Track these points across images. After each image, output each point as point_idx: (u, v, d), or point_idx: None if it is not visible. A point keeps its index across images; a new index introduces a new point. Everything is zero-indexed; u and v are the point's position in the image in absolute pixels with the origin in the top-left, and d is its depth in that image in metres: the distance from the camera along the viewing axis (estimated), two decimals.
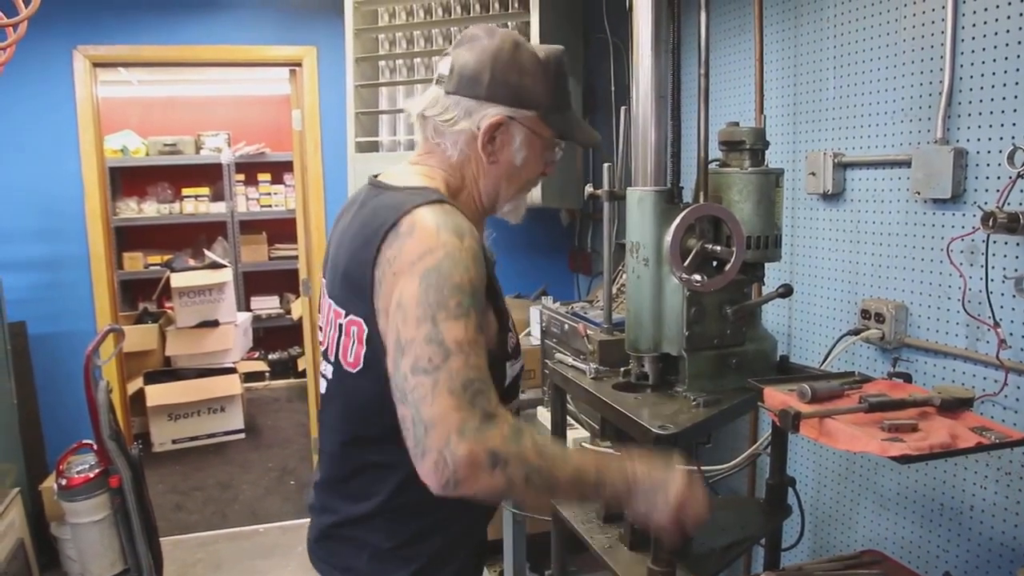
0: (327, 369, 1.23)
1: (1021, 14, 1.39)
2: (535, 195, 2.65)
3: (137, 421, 4.69)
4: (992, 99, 1.46)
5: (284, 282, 6.28)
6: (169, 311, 5.52)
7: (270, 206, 6.16)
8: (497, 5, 2.72)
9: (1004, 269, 1.45)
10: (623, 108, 1.57)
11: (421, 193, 1.14)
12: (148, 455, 4.52)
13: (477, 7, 2.76)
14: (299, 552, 3.52)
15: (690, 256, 1.37)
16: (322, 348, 1.25)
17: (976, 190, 1.50)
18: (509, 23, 2.68)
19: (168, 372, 5.11)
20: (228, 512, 4.00)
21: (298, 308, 5.63)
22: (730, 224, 1.38)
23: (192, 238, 6.14)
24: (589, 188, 1.72)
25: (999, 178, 1.45)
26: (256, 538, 3.71)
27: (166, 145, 5.84)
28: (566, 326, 2.16)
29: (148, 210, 5.92)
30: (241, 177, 6.06)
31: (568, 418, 1.98)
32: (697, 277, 1.35)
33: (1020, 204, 1.40)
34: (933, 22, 1.59)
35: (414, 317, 1.00)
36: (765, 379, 1.41)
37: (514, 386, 1.28)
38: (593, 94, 3.28)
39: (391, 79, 2.93)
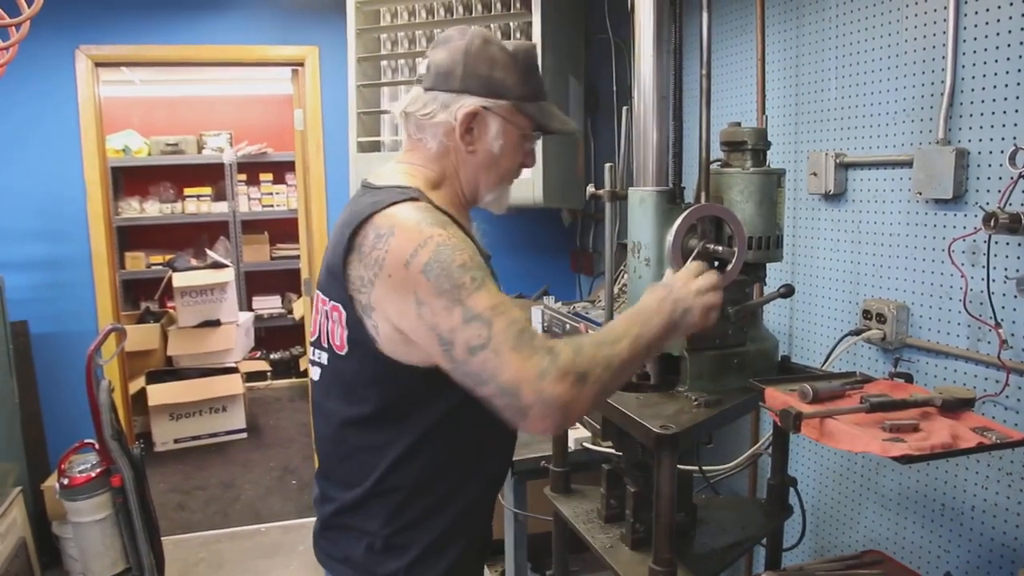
0: (322, 356, 1.27)
1: (1022, 15, 1.39)
2: (537, 195, 2.65)
3: (139, 420, 4.70)
4: (994, 100, 1.46)
5: (286, 282, 6.29)
6: (171, 311, 5.53)
7: (272, 206, 6.16)
8: (499, 5, 2.72)
9: (1005, 269, 1.45)
10: (625, 108, 1.57)
11: (398, 191, 1.19)
12: (150, 454, 4.54)
13: (479, 7, 2.76)
14: (301, 552, 3.52)
15: (691, 256, 1.37)
16: (314, 337, 1.30)
17: (977, 190, 1.50)
18: (511, 23, 2.68)
19: (170, 372, 5.12)
20: (230, 512, 4.00)
21: (300, 308, 5.65)
22: (732, 224, 1.38)
23: (194, 238, 6.15)
24: (591, 188, 1.71)
25: (1000, 178, 1.45)
26: (258, 538, 3.71)
27: (168, 145, 5.85)
28: (568, 326, 2.17)
29: (150, 210, 5.93)
30: (243, 177, 6.07)
31: None
32: None
33: (1022, 204, 1.40)
34: (935, 23, 1.59)
35: (442, 308, 1.04)
36: (766, 379, 1.41)
37: None
38: (595, 94, 3.28)
39: (393, 79, 2.93)
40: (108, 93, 3.89)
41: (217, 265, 5.46)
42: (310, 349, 1.33)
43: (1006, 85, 1.43)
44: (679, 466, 1.35)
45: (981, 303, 1.49)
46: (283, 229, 6.13)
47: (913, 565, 1.68)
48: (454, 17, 2.76)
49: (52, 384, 3.39)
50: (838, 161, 1.86)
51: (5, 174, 3.29)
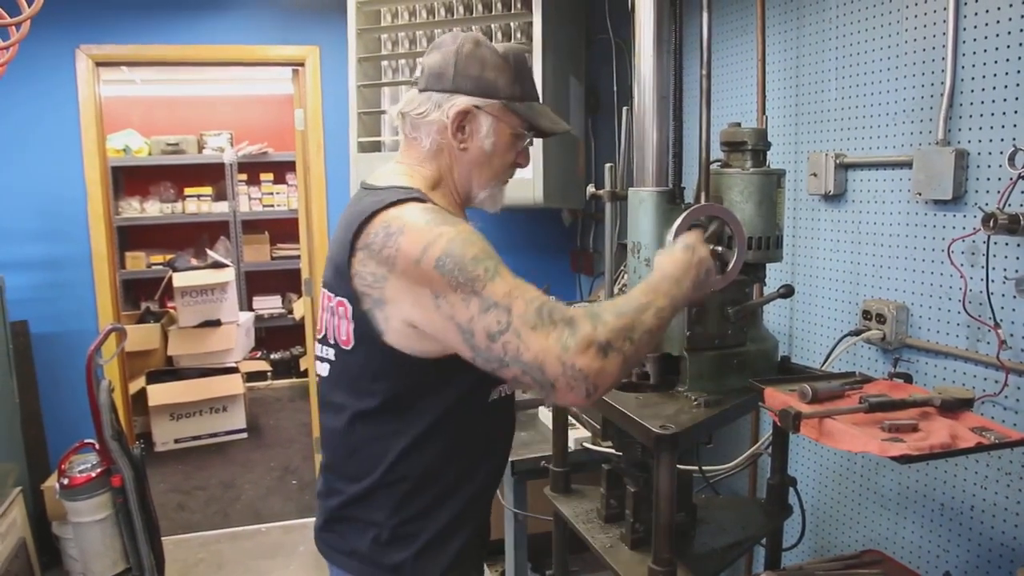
0: (329, 352, 1.29)
1: (1022, 16, 1.39)
2: (538, 195, 2.65)
3: (139, 420, 4.70)
4: (993, 101, 1.46)
5: (286, 282, 6.29)
6: (171, 311, 5.53)
7: (272, 206, 6.16)
8: (500, 5, 2.72)
9: (1005, 270, 1.45)
10: (625, 108, 1.58)
11: (402, 191, 1.22)
12: (150, 454, 4.54)
13: (479, 7, 2.76)
14: (301, 552, 3.53)
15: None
16: (320, 334, 1.32)
17: (977, 191, 1.51)
18: (512, 23, 2.69)
19: (170, 372, 5.11)
20: (230, 512, 4.00)
21: (300, 308, 5.65)
22: (732, 225, 1.38)
23: (194, 238, 6.15)
24: (591, 188, 1.72)
25: (1000, 179, 1.45)
26: (258, 538, 3.71)
27: (169, 144, 5.85)
28: None
29: (150, 210, 5.93)
30: (243, 177, 6.07)
31: (569, 418, 1.98)
32: None
33: (1021, 205, 1.40)
34: (935, 24, 1.59)
35: (459, 300, 1.07)
36: (766, 379, 1.42)
37: None
38: (596, 94, 3.28)
39: (394, 79, 2.94)
40: (108, 93, 3.90)
41: (217, 265, 5.45)
42: (316, 345, 1.35)
43: (1005, 86, 1.43)
44: (679, 466, 1.35)
45: (980, 303, 1.49)
46: (283, 229, 6.13)
47: (912, 565, 1.69)
48: (455, 17, 2.76)
49: (52, 384, 3.39)
50: (838, 162, 1.86)
51: (5, 174, 3.29)
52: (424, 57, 1.33)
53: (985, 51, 1.47)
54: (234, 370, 5.20)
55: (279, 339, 6.41)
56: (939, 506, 1.64)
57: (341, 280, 1.20)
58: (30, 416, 3.31)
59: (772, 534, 1.67)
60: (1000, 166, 1.44)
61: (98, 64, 3.33)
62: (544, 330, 1.03)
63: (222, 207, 6.03)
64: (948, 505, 1.62)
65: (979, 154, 1.50)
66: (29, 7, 1.95)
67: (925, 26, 1.62)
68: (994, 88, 1.46)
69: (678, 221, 1.37)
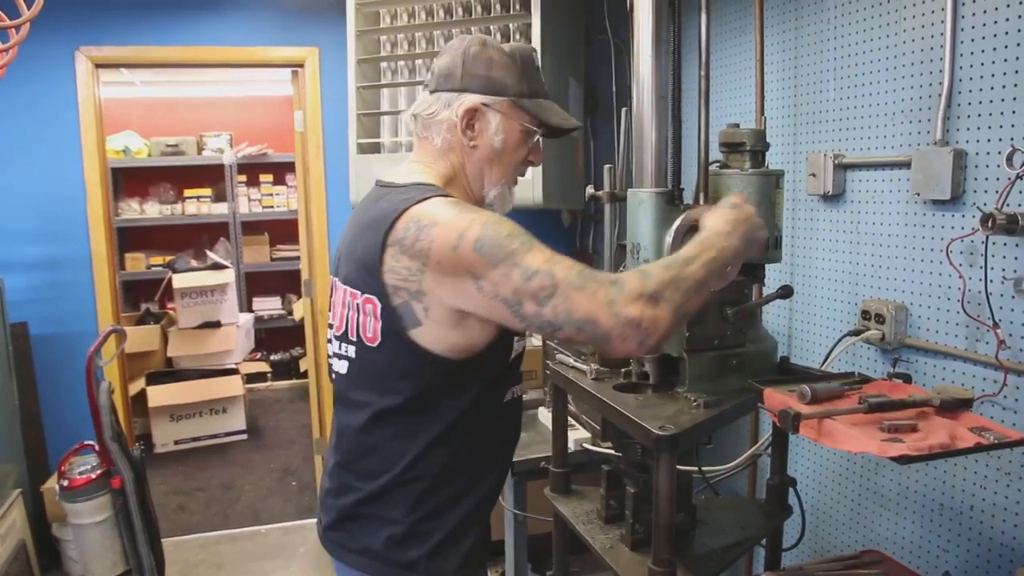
0: (349, 349, 1.31)
1: (1020, 16, 1.39)
2: (537, 196, 2.66)
3: (139, 422, 4.70)
4: (991, 101, 1.46)
5: (286, 283, 6.29)
6: (171, 312, 5.53)
7: (272, 207, 6.16)
8: (499, 7, 2.72)
9: (1003, 270, 1.45)
10: (624, 109, 1.58)
11: (424, 189, 1.26)
12: (150, 456, 4.54)
13: (479, 8, 2.76)
14: (301, 553, 3.53)
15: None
16: (340, 331, 1.33)
17: (975, 191, 1.51)
18: (511, 25, 2.69)
19: (170, 373, 5.11)
20: (230, 513, 4.00)
21: (300, 309, 5.64)
22: None
23: (194, 239, 6.15)
24: (590, 189, 1.72)
25: (998, 179, 1.45)
26: (258, 539, 3.71)
27: (168, 146, 5.85)
28: None
29: (150, 211, 5.93)
30: (243, 178, 6.07)
31: (569, 419, 1.99)
32: None
33: (1019, 205, 1.40)
34: (933, 24, 1.59)
35: (501, 275, 1.10)
36: (765, 380, 1.42)
37: (518, 361, 1.37)
38: (595, 95, 3.28)
39: (393, 80, 2.94)
40: (108, 94, 3.89)
41: (217, 266, 5.46)
42: (333, 342, 1.36)
43: (1004, 86, 1.43)
44: (678, 467, 1.35)
45: (979, 303, 1.49)
46: (283, 230, 6.13)
47: (912, 565, 1.69)
48: (454, 19, 2.76)
49: (52, 385, 3.39)
50: (837, 162, 1.87)
51: (5, 175, 3.29)
52: (434, 60, 1.37)
53: (983, 51, 1.47)
54: (234, 371, 5.20)
55: (279, 340, 6.41)
56: (938, 506, 1.65)
57: (370, 277, 1.21)
58: (30, 418, 3.31)
59: (772, 534, 1.67)
60: (998, 166, 1.44)
61: (98, 66, 3.33)
62: (591, 288, 1.07)
63: (222, 208, 6.03)
64: (947, 505, 1.62)
65: (977, 154, 1.50)
66: (29, 9, 1.95)
67: (923, 26, 1.62)
68: (992, 88, 1.46)
69: (677, 222, 1.37)
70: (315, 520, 1.42)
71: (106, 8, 3.28)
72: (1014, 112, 1.42)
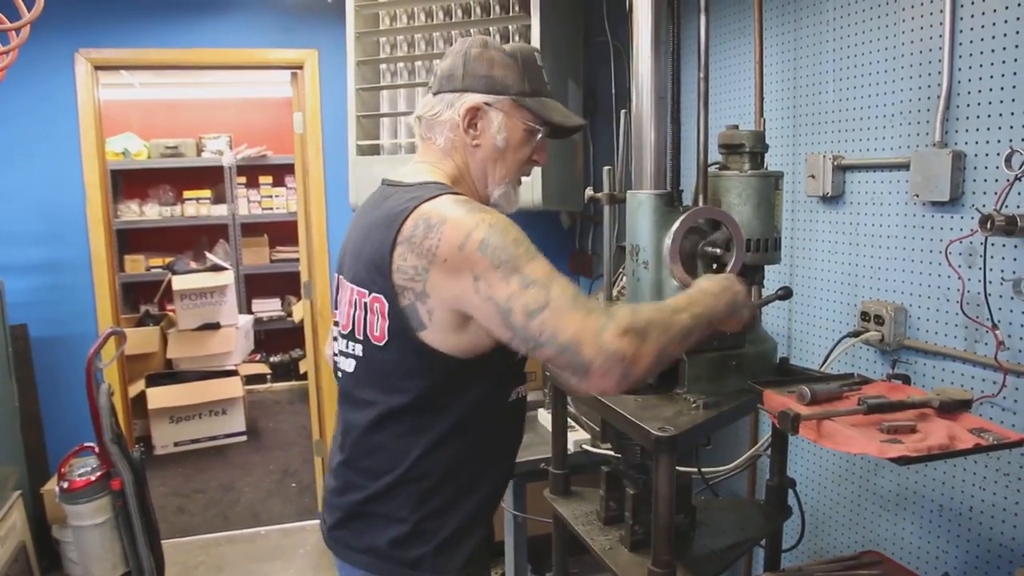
0: (356, 348, 1.31)
1: (1019, 18, 1.40)
2: (536, 198, 2.66)
3: (139, 424, 4.70)
4: (990, 102, 1.46)
5: (285, 284, 6.29)
6: (170, 314, 5.52)
7: (271, 209, 6.16)
8: (498, 8, 2.72)
9: (1002, 271, 1.46)
10: (623, 111, 1.58)
11: (433, 187, 1.26)
12: (150, 458, 4.53)
13: (478, 10, 2.76)
14: (301, 554, 3.52)
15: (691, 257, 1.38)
16: (347, 330, 1.33)
17: (974, 193, 1.51)
18: (510, 26, 2.69)
19: (169, 375, 5.11)
20: (230, 515, 4.00)
21: (299, 310, 5.64)
22: (730, 227, 1.39)
23: (193, 241, 6.15)
24: (589, 191, 1.72)
25: (997, 181, 1.45)
26: (258, 540, 3.71)
27: (168, 148, 5.85)
28: None
29: (150, 213, 5.93)
30: (243, 180, 6.07)
31: (569, 420, 1.99)
32: None
33: (1018, 207, 1.40)
34: (932, 26, 1.60)
35: (499, 279, 1.10)
36: (765, 381, 1.42)
37: (523, 361, 1.37)
38: (594, 97, 3.29)
39: (392, 82, 2.94)
40: (108, 96, 3.90)
41: (217, 268, 5.45)
42: (339, 340, 1.36)
43: (1002, 88, 1.44)
44: (678, 468, 1.35)
45: (978, 305, 1.49)
46: (283, 232, 6.13)
47: (911, 566, 1.69)
48: (453, 20, 2.77)
49: (52, 387, 3.39)
50: (836, 163, 1.87)
51: (5, 177, 3.29)
52: (437, 63, 1.38)
53: (982, 53, 1.48)
54: (233, 373, 5.20)
55: (278, 342, 6.41)
56: (938, 507, 1.65)
57: (379, 276, 1.22)
58: (30, 420, 3.31)
59: (771, 535, 1.67)
60: (997, 168, 1.45)
61: (97, 68, 3.33)
62: (582, 312, 1.06)
63: (221, 210, 6.03)
64: (947, 506, 1.62)
65: (976, 156, 1.50)
66: (29, 12, 1.95)
67: (922, 28, 1.62)
68: (991, 90, 1.46)
69: (676, 224, 1.37)
70: (315, 522, 1.42)
71: (106, 10, 3.28)
72: (1012, 114, 1.42)
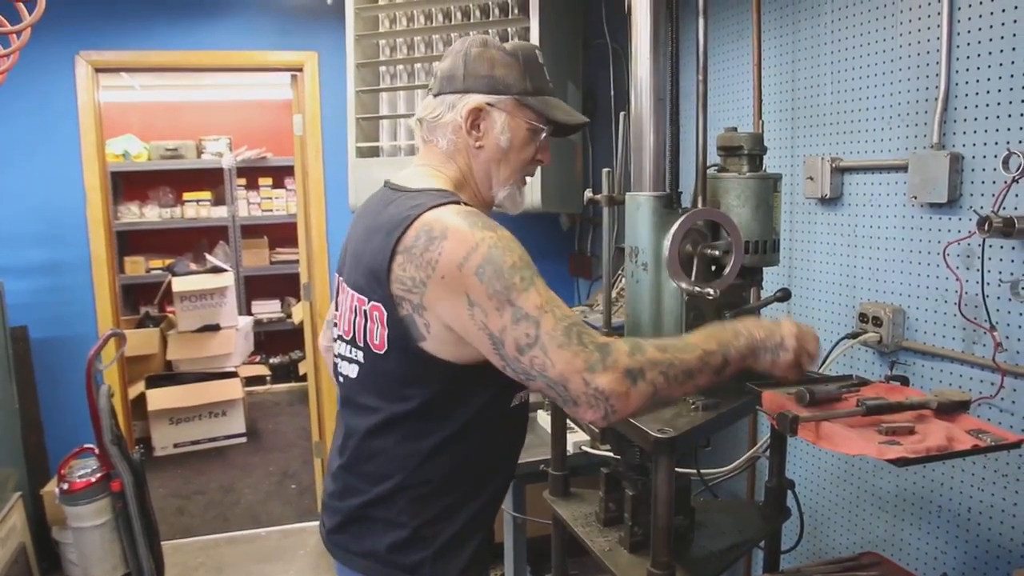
0: (357, 354, 1.30)
1: (1016, 20, 1.40)
2: (535, 199, 2.66)
3: (138, 425, 4.70)
4: (987, 104, 1.47)
5: (285, 286, 6.29)
6: (170, 315, 5.53)
7: (271, 210, 6.17)
8: (497, 11, 2.73)
9: (1000, 273, 1.46)
10: (622, 113, 1.58)
11: (435, 195, 1.24)
12: (149, 459, 4.53)
13: (477, 13, 2.77)
14: (301, 556, 3.53)
15: (694, 264, 1.38)
16: (348, 336, 1.32)
17: (972, 194, 1.51)
18: (509, 29, 2.70)
19: (169, 376, 5.12)
20: (229, 516, 4.00)
21: (299, 312, 5.65)
22: (729, 229, 1.39)
23: (193, 242, 6.15)
24: (588, 193, 1.73)
25: (994, 183, 1.46)
26: (258, 542, 3.71)
27: (168, 150, 5.86)
28: None
29: (150, 214, 5.93)
30: (242, 181, 6.08)
31: (568, 422, 1.99)
32: (710, 290, 1.35)
33: (1015, 208, 1.41)
34: (929, 28, 1.60)
35: (493, 309, 1.09)
36: (764, 382, 1.42)
37: None
38: (593, 99, 3.29)
39: (392, 84, 2.94)
40: (108, 98, 3.90)
41: (216, 269, 5.46)
42: (340, 344, 1.35)
43: (999, 90, 1.44)
44: (677, 469, 1.36)
45: (976, 306, 1.50)
46: (282, 233, 6.14)
47: (910, 567, 1.69)
48: (452, 23, 2.77)
49: (52, 389, 3.40)
50: (834, 165, 1.87)
51: (5, 179, 3.29)
52: (437, 64, 1.36)
53: (979, 55, 1.48)
54: (233, 374, 5.20)
55: (278, 343, 6.41)
56: (936, 508, 1.65)
57: (377, 285, 1.20)
58: (30, 421, 3.31)
59: (770, 537, 1.67)
60: (995, 169, 1.45)
61: (97, 70, 3.34)
62: (571, 349, 1.05)
63: (221, 212, 6.04)
64: (945, 507, 1.63)
65: (974, 158, 1.51)
66: (30, 14, 1.95)
67: (919, 30, 1.63)
68: (988, 92, 1.47)
69: (675, 225, 1.38)
70: (315, 523, 1.42)
71: (106, 13, 3.28)
72: (1010, 116, 1.43)
